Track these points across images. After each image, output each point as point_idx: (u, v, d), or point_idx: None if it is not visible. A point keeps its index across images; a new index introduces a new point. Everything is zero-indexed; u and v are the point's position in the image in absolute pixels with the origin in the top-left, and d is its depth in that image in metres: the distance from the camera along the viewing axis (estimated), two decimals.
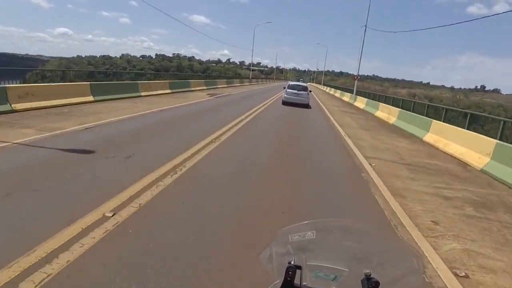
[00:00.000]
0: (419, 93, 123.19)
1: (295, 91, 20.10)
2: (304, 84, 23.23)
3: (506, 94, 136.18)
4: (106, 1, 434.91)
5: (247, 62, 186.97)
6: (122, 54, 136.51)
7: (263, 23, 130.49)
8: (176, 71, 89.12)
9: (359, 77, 31.36)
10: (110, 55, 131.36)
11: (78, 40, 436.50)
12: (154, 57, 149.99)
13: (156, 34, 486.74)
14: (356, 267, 0.82)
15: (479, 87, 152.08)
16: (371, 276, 0.79)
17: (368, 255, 0.84)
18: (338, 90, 43.54)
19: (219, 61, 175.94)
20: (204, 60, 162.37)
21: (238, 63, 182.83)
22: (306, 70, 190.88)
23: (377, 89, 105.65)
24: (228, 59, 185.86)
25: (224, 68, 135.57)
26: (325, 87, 67.50)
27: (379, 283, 0.78)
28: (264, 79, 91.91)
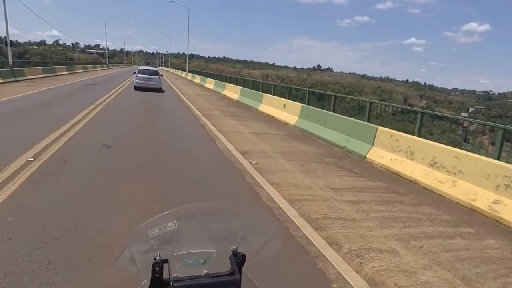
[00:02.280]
0: (270, 73, 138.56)
1: (146, 76, 21.37)
2: (155, 69, 24.93)
3: (337, 72, 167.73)
4: None
5: (82, 44, 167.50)
6: None
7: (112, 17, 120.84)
8: None
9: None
10: None
11: None
12: None
13: None
14: (223, 246, 0.89)
15: (316, 66, 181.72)
16: (238, 251, 0.88)
17: (233, 232, 0.91)
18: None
19: (42, 43, 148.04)
20: (23, 42, 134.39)
21: (71, 45, 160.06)
22: (155, 52, 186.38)
23: (232, 71, 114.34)
24: (57, 41, 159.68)
25: (50, 52, 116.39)
26: (190, 74, 45.85)
27: (246, 256, 0.87)
28: (104, 64, 76.78)
